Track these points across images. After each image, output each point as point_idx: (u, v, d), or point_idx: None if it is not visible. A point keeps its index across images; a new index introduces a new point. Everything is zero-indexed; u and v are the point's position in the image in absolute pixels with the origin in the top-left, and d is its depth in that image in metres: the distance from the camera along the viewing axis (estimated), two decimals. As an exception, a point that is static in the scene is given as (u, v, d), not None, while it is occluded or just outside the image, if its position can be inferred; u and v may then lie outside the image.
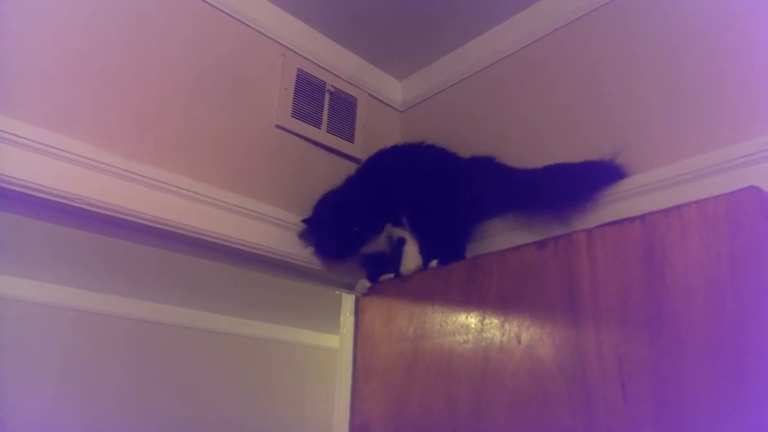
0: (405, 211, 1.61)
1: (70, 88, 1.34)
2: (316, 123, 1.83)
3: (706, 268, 1.02)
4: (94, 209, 1.30)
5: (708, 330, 0.99)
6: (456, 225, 1.61)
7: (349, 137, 1.92)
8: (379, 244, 1.64)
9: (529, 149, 1.67)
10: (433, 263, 1.55)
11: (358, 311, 1.73)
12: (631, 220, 1.14)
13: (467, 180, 1.62)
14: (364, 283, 1.69)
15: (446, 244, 1.58)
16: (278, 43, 1.81)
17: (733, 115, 1.30)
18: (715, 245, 1.02)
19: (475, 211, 1.62)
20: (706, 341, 0.99)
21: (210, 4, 1.66)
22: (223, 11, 1.68)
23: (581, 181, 1.46)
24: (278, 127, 1.74)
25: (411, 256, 1.59)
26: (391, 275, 1.62)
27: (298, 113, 1.79)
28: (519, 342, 1.24)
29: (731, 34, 1.35)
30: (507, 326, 1.28)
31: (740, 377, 0.94)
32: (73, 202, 1.27)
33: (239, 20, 1.72)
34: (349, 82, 1.98)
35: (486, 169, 1.62)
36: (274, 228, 1.61)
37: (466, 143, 1.82)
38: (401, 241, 1.63)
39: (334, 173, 1.85)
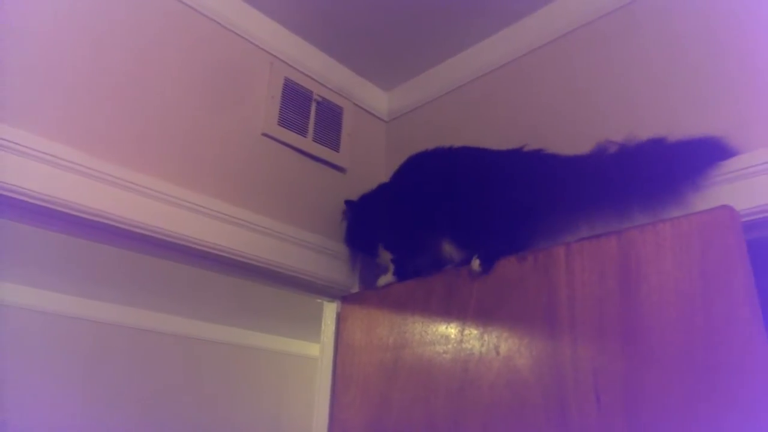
0: (443, 219, 1.50)
1: (76, 101, 1.36)
2: (303, 132, 1.85)
3: (678, 284, 1.05)
4: (84, 216, 1.30)
5: (678, 343, 1.02)
6: (499, 224, 1.42)
7: (335, 146, 1.94)
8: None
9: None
10: (475, 264, 1.39)
11: (339, 320, 1.74)
12: (608, 234, 1.17)
13: (504, 175, 1.47)
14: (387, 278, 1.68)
15: (496, 243, 1.41)
16: (266, 51, 1.82)
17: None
18: (687, 262, 1.05)
19: (512, 207, 1.41)
20: (676, 354, 1.02)
21: (199, 12, 1.67)
22: (212, 19, 1.69)
23: (681, 161, 1.27)
24: (264, 135, 1.75)
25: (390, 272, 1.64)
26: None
27: (284, 122, 1.80)
28: (498, 353, 1.27)
29: (732, 37, 1.33)
30: (486, 337, 1.30)
31: (709, 391, 0.97)
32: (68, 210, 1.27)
33: (228, 29, 1.73)
34: (336, 92, 2.00)
35: (529, 159, 1.46)
36: (258, 236, 1.61)
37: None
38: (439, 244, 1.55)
39: (320, 182, 1.87)
